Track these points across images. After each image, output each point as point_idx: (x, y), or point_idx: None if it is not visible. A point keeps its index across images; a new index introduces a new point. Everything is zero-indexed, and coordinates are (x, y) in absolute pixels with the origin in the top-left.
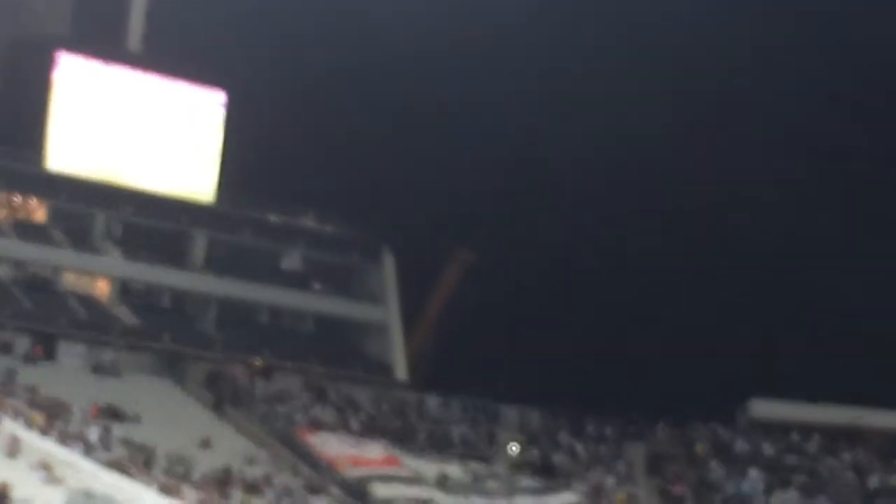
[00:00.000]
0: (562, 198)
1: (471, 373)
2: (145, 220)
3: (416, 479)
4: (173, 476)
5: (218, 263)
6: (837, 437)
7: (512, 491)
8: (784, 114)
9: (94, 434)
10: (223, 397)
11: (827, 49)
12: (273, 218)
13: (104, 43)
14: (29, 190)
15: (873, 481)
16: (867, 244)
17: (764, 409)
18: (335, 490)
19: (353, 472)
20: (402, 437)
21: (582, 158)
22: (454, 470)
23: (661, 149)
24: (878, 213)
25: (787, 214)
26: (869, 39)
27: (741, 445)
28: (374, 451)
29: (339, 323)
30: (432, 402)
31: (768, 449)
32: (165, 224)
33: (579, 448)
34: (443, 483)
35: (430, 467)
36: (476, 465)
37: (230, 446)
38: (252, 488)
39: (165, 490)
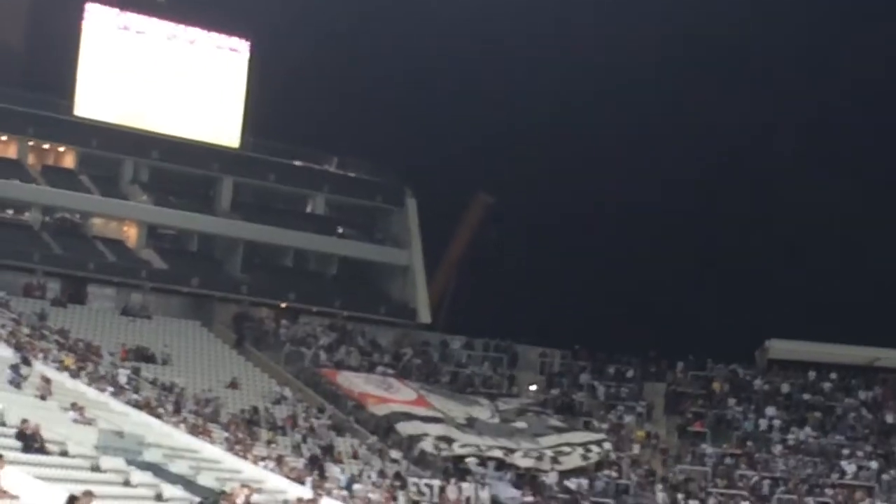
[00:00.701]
0: (583, 140)
1: (492, 314)
2: (172, 166)
3: (442, 419)
4: (201, 416)
5: (244, 208)
6: (853, 376)
7: (538, 431)
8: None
9: (123, 376)
10: (246, 336)
11: None
12: (297, 163)
13: None
14: (58, 137)
15: (888, 419)
16: (885, 191)
17: (781, 348)
18: (360, 429)
19: (379, 410)
20: (426, 379)
21: (602, 100)
22: (480, 410)
23: (682, 92)
24: None
25: (805, 158)
26: None
27: (759, 384)
28: (401, 392)
29: (362, 266)
30: (455, 343)
31: (785, 387)
32: (192, 169)
33: (599, 388)
34: (470, 423)
35: (456, 408)
36: (502, 405)
37: (257, 387)
38: (278, 428)
39: (194, 430)
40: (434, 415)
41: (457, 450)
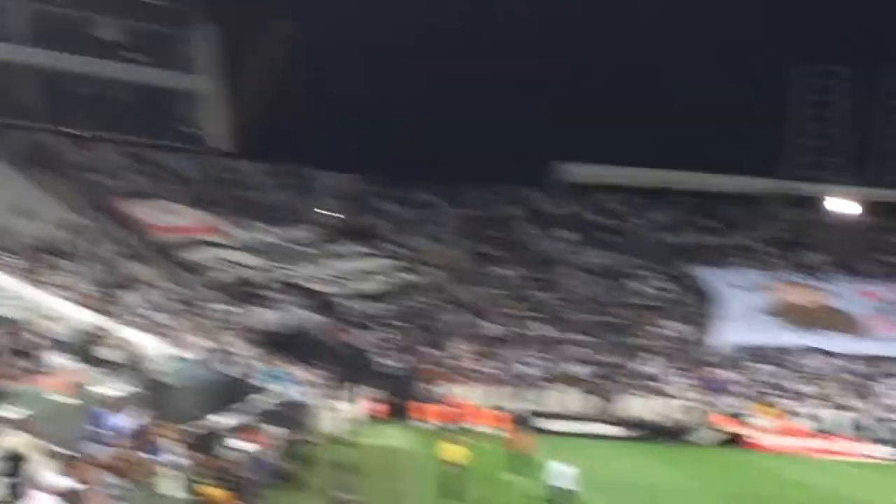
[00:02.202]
0: None
1: (289, 140)
2: None
3: (236, 245)
4: None
5: (38, 35)
6: (646, 198)
7: (329, 255)
8: None
9: None
10: (41, 164)
11: None
12: None
13: None
14: None
15: (678, 240)
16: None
17: (576, 172)
18: (154, 255)
19: (169, 238)
20: (221, 205)
21: None
22: (275, 236)
23: None
24: None
25: None
26: None
27: (553, 207)
28: (193, 219)
29: (158, 93)
30: (250, 169)
31: (578, 210)
32: None
33: (396, 213)
34: (264, 249)
35: (250, 233)
36: (294, 231)
37: (50, 215)
38: (73, 256)
39: None
40: (227, 241)
41: (250, 275)
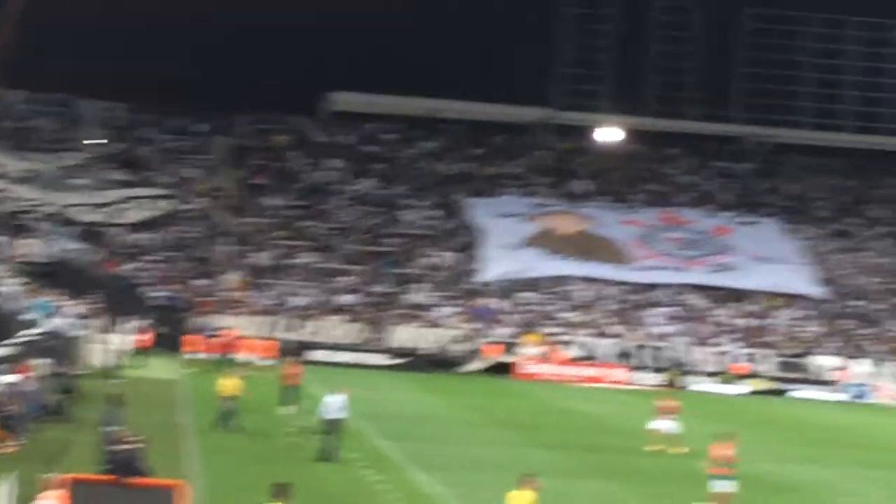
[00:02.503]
0: None
1: (55, 69)
2: None
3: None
4: None
5: None
6: (414, 128)
7: (97, 185)
8: None
9: None
10: None
11: None
12: None
13: None
14: None
15: (447, 168)
16: None
17: (343, 100)
18: None
19: None
20: None
21: None
22: (42, 166)
23: None
24: None
25: None
26: None
27: (321, 136)
28: None
29: None
30: (15, 97)
31: (348, 139)
32: None
33: (164, 142)
34: (30, 179)
35: (15, 163)
36: (64, 160)
37: None
38: None
39: None
40: None
41: (15, 205)
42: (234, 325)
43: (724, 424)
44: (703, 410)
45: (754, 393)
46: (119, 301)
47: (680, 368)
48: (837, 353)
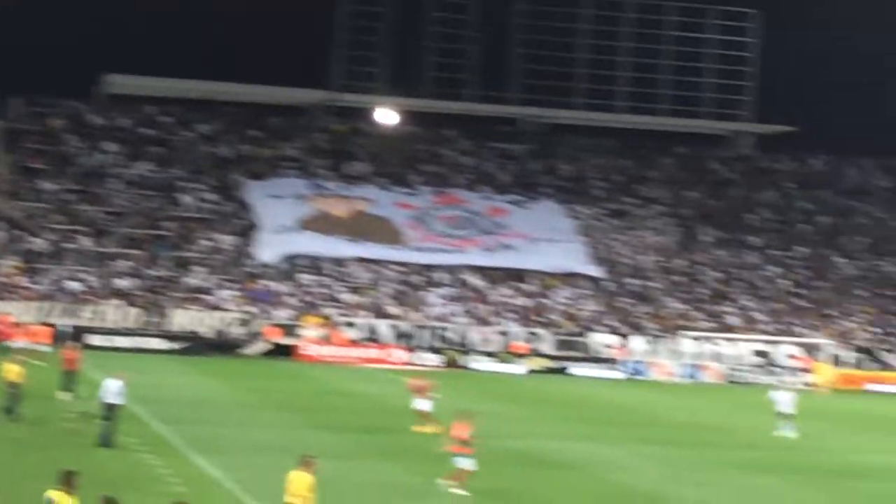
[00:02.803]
0: None
1: None
2: None
3: None
4: None
5: None
6: (191, 110)
7: None
8: None
9: None
10: None
11: None
12: None
13: None
14: None
15: (224, 151)
16: None
17: (119, 83)
18: None
19: None
20: None
21: None
22: None
23: None
24: None
25: None
26: None
27: (96, 120)
28: None
29: None
30: None
31: (124, 122)
32: None
33: None
34: None
35: None
36: None
37: None
38: None
39: None
40: None
41: None
42: (12, 310)
43: (502, 403)
44: (482, 389)
45: (534, 371)
46: None
47: (460, 348)
48: (615, 331)
